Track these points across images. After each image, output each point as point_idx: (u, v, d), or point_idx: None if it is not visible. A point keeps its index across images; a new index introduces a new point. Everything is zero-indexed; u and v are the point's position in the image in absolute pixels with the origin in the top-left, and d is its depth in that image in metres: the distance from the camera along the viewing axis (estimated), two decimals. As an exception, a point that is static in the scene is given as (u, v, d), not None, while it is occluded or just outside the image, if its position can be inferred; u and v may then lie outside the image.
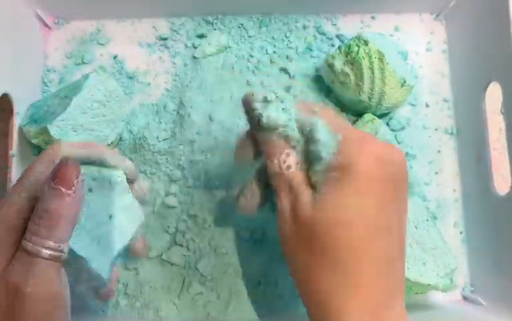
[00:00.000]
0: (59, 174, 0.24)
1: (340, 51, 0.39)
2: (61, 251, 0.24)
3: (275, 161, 0.27)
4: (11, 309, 0.22)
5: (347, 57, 0.38)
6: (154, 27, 0.44)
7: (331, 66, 0.39)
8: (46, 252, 0.23)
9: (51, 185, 0.24)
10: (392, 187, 0.25)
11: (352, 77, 0.38)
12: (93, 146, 0.30)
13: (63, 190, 0.23)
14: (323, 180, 0.26)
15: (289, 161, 0.27)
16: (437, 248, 0.36)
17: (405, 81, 0.38)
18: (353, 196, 0.25)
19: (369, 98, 0.38)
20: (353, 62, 0.38)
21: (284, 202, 0.27)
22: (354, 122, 0.41)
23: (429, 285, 0.35)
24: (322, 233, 0.25)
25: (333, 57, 0.39)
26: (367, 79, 0.38)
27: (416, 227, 0.36)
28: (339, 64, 0.39)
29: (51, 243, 0.23)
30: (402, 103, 0.40)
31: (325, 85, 0.42)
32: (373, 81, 0.37)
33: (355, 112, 0.41)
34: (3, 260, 0.24)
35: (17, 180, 0.26)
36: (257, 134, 0.29)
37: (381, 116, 0.41)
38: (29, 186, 0.25)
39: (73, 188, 0.24)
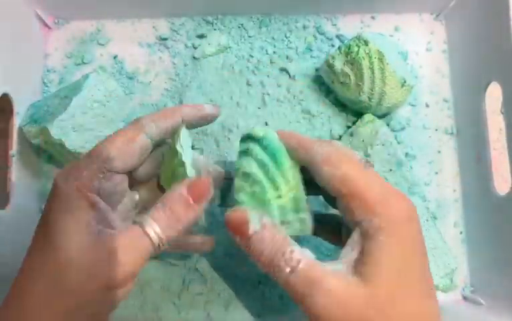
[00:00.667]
0: (194, 189, 0.25)
1: (340, 52, 0.39)
2: (161, 247, 0.25)
3: (281, 265, 0.23)
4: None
5: (347, 57, 0.38)
6: (154, 27, 0.44)
7: (331, 66, 0.39)
8: (155, 237, 0.24)
9: (183, 192, 0.25)
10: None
11: (352, 77, 0.38)
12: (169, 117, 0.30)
13: (191, 202, 0.25)
14: (355, 256, 0.23)
15: (296, 255, 0.23)
16: (437, 248, 0.36)
17: (405, 81, 0.38)
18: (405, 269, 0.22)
19: (370, 98, 0.38)
20: (353, 62, 0.38)
21: (312, 307, 0.22)
22: (354, 123, 0.41)
23: None
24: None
25: (333, 57, 0.39)
26: (368, 80, 0.38)
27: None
28: (339, 64, 0.39)
29: (162, 237, 0.24)
30: (402, 103, 0.40)
31: (325, 85, 0.42)
32: (373, 81, 0.37)
33: (355, 112, 0.41)
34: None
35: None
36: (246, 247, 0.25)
37: (381, 116, 0.41)
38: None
39: (199, 205, 0.25)
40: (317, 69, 0.42)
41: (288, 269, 0.23)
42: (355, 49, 0.38)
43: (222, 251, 0.38)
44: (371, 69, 0.37)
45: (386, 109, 0.39)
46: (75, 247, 0.22)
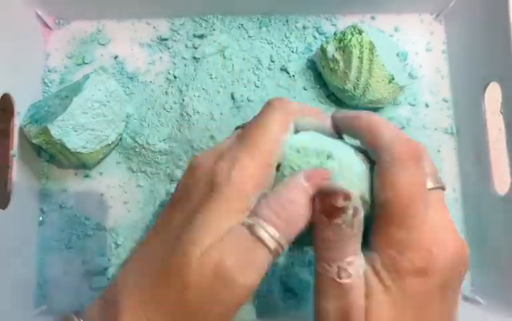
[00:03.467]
0: (325, 205, 0.21)
1: (335, 38, 0.39)
2: (281, 250, 0.21)
3: (332, 267, 0.21)
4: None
5: (340, 43, 0.39)
6: (154, 27, 0.44)
7: (324, 51, 0.39)
8: (272, 241, 0.20)
9: (317, 210, 0.21)
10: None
11: (341, 64, 0.38)
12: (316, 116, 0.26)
13: (324, 218, 0.21)
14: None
15: (350, 270, 0.21)
16: None
17: (393, 78, 0.38)
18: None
19: (354, 88, 0.38)
20: (344, 49, 0.38)
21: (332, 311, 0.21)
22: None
23: None
24: None
25: (327, 42, 0.39)
26: (355, 68, 0.38)
27: None
28: (331, 50, 0.39)
29: (281, 238, 0.21)
30: (389, 101, 0.40)
31: (325, 85, 0.42)
32: (360, 71, 0.38)
33: (340, 101, 0.42)
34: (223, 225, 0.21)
35: (249, 141, 0.22)
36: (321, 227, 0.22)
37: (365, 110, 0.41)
38: (264, 153, 0.22)
39: (336, 221, 0.21)
40: (310, 60, 0.43)
41: (335, 276, 0.21)
42: (349, 36, 0.38)
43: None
44: (360, 58, 0.37)
45: (369, 102, 0.39)
46: (198, 265, 0.20)
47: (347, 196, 0.21)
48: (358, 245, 0.21)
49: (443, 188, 0.24)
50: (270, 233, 0.20)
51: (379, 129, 0.23)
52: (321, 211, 0.21)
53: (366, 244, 0.22)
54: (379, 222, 0.22)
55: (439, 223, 0.22)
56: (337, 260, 0.21)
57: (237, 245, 0.20)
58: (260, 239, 0.20)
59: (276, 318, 0.38)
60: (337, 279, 0.21)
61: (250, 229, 0.20)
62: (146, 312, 0.20)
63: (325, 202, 0.21)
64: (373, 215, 0.22)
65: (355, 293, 0.21)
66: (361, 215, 0.21)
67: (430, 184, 0.23)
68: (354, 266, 0.21)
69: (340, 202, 0.21)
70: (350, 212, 0.21)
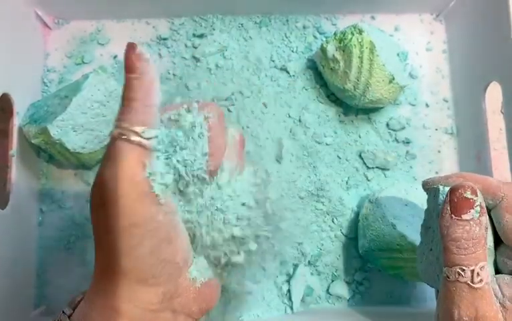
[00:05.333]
0: (127, 62, 0.22)
1: (335, 37, 0.39)
2: (140, 135, 0.21)
3: (465, 271, 0.23)
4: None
5: (340, 43, 0.38)
6: (154, 27, 0.44)
7: (324, 51, 0.39)
8: (117, 131, 0.20)
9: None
10: None
11: (341, 64, 0.38)
12: None
13: (129, 75, 0.21)
14: None
15: (482, 275, 0.22)
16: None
17: (393, 78, 0.38)
18: None
19: (355, 88, 0.38)
20: (344, 49, 0.38)
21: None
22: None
23: None
24: None
25: (327, 41, 0.39)
26: (355, 68, 0.38)
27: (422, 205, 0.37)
28: (331, 49, 0.39)
29: (126, 125, 0.21)
30: (389, 101, 0.40)
31: (325, 85, 0.42)
32: (360, 71, 0.38)
33: (340, 101, 0.42)
34: None
35: None
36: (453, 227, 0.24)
37: (365, 111, 0.41)
38: None
39: (137, 72, 0.21)
40: (310, 60, 0.43)
41: (469, 280, 0.22)
42: (349, 36, 0.38)
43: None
44: (361, 58, 0.37)
45: (369, 102, 0.39)
46: None
47: (474, 190, 0.23)
48: (486, 250, 0.23)
49: None
50: (116, 127, 0.21)
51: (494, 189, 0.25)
52: (452, 208, 0.23)
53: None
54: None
55: None
56: (471, 264, 0.22)
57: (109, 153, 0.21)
58: (112, 138, 0.21)
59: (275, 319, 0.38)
60: (471, 284, 0.22)
61: (114, 137, 0.21)
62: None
63: (454, 196, 0.23)
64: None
65: (487, 300, 0.22)
66: (487, 216, 0.23)
67: None
68: (486, 272, 0.22)
69: (468, 195, 0.23)
70: (478, 209, 0.23)
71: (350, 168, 0.41)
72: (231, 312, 0.29)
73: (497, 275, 0.24)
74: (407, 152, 0.42)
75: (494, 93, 0.38)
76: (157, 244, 0.21)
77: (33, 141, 0.37)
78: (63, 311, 0.23)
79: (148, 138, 0.21)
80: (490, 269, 0.24)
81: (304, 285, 0.39)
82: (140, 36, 0.44)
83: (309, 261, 0.39)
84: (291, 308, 0.38)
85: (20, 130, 0.37)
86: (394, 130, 0.42)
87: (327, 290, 0.39)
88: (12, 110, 0.37)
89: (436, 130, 0.43)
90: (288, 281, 0.39)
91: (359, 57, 0.37)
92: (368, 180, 0.41)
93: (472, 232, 0.23)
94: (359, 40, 0.37)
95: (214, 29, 0.43)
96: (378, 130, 0.42)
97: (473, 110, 0.40)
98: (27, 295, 0.38)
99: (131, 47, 0.22)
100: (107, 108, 0.38)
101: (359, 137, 0.42)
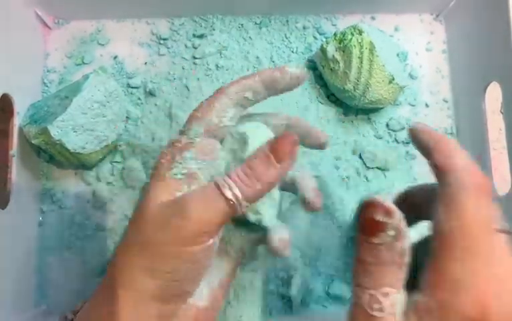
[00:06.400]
0: (275, 146, 0.23)
1: (335, 38, 0.39)
2: (241, 205, 0.22)
3: (364, 294, 0.19)
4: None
5: (340, 43, 0.39)
6: (154, 27, 0.44)
7: (324, 51, 0.39)
8: (231, 196, 0.22)
9: (265, 150, 0.23)
10: None
11: (341, 65, 0.38)
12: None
13: (273, 160, 0.23)
14: None
15: (384, 303, 0.19)
16: None
17: (393, 79, 0.38)
18: None
19: (355, 88, 0.38)
20: (344, 49, 0.38)
21: None
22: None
23: None
24: None
25: (327, 42, 0.39)
26: (355, 68, 0.38)
27: None
28: (331, 50, 0.39)
29: (239, 196, 0.22)
30: (389, 101, 0.40)
31: (325, 86, 0.42)
32: (360, 71, 0.38)
33: (340, 101, 0.42)
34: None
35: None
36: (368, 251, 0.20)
37: (365, 111, 0.41)
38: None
39: (282, 163, 0.23)
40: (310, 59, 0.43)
41: (366, 305, 0.19)
42: (349, 36, 0.38)
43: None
44: (360, 58, 0.37)
45: (369, 102, 0.39)
46: (155, 205, 0.22)
47: (388, 212, 0.19)
48: (399, 278, 0.19)
49: (510, 233, 0.20)
50: (232, 190, 0.22)
51: (455, 152, 0.21)
52: (360, 227, 0.20)
53: (413, 286, 0.20)
54: (435, 254, 0.19)
55: (506, 272, 0.19)
56: (371, 288, 0.19)
57: (202, 192, 0.22)
58: (222, 193, 0.22)
59: (275, 319, 0.38)
60: (368, 310, 0.19)
61: (217, 184, 0.22)
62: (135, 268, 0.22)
63: (364, 215, 0.20)
64: (428, 247, 0.20)
65: None
66: (407, 242, 0.19)
67: (496, 226, 0.20)
68: (389, 300, 0.19)
69: (379, 217, 0.19)
70: (391, 233, 0.19)
71: (350, 168, 0.41)
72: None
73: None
74: (407, 152, 0.42)
75: (494, 93, 0.38)
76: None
77: (33, 141, 0.37)
78: (66, 316, 0.23)
79: (242, 210, 0.23)
80: (401, 299, 0.20)
81: (304, 286, 0.39)
82: (140, 36, 0.44)
83: (308, 262, 0.39)
84: (291, 308, 0.38)
85: (20, 130, 0.37)
86: (394, 130, 0.42)
87: (327, 290, 0.39)
88: (12, 110, 0.37)
89: (436, 130, 0.43)
90: (288, 281, 0.39)
91: (359, 57, 0.37)
92: (368, 181, 0.41)
93: (381, 257, 0.19)
94: (359, 40, 0.37)
95: (214, 29, 0.43)
96: (378, 131, 0.42)
97: (473, 110, 0.40)
98: (27, 295, 0.38)
99: (292, 140, 0.23)
100: (107, 108, 0.38)
101: (359, 137, 0.42)
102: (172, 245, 0.21)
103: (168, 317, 0.22)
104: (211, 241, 0.22)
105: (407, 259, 0.20)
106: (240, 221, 0.26)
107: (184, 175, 0.23)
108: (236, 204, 0.22)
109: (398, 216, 0.19)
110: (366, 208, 0.19)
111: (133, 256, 0.22)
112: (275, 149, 0.23)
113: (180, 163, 0.23)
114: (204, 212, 0.22)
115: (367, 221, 0.19)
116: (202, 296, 0.24)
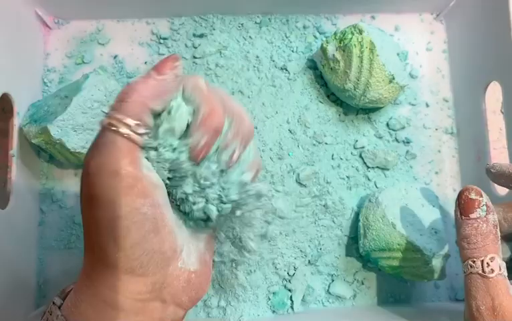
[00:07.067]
0: (157, 64, 0.22)
1: (335, 37, 0.39)
2: (133, 130, 0.21)
3: (476, 262, 0.26)
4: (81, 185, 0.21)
5: (340, 43, 0.39)
6: (154, 26, 0.44)
7: (324, 50, 0.39)
8: (110, 122, 0.21)
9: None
10: None
11: (342, 64, 0.38)
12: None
13: (152, 73, 0.22)
14: None
15: (493, 265, 0.25)
16: (438, 232, 0.36)
17: (393, 78, 0.38)
18: None
19: (355, 87, 0.38)
20: (344, 49, 0.38)
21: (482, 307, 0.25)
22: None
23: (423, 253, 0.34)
24: None
25: (327, 41, 0.39)
26: (355, 68, 0.38)
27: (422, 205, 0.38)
28: (331, 49, 0.39)
29: (119, 116, 0.21)
30: (389, 100, 0.40)
31: (325, 85, 0.42)
32: (360, 70, 0.38)
33: (340, 100, 0.42)
34: None
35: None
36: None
37: (366, 111, 0.41)
38: None
39: (161, 76, 0.22)
40: (310, 59, 0.43)
41: (480, 270, 0.25)
42: (349, 36, 0.38)
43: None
44: (361, 58, 0.37)
45: (369, 101, 0.39)
46: None
47: (478, 192, 0.26)
48: (498, 246, 0.26)
49: None
50: (109, 117, 0.21)
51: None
52: (460, 209, 0.27)
53: None
54: None
55: None
56: (480, 256, 0.25)
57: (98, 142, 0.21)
58: (103, 127, 0.21)
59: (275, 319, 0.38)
60: (483, 274, 0.25)
61: (104, 124, 0.21)
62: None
63: (461, 199, 0.27)
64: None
65: (502, 290, 0.24)
66: (496, 216, 0.26)
67: None
68: (496, 263, 0.25)
69: (472, 195, 0.26)
70: (484, 206, 0.26)
71: (350, 168, 0.41)
72: None
73: None
74: (407, 151, 0.42)
75: (494, 93, 0.38)
76: (143, 235, 0.21)
77: (33, 141, 0.37)
78: (54, 302, 0.22)
79: (139, 134, 0.21)
80: (503, 264, 0.25)
81: (304, 285, 0.39)
82: (140, 36, 0.44)
83: (309, 261, 0.39)
84: (292, 308, 0.38)
85: (20, 130, 0.37)
86: (394, 130, 0.42)
87: (327, 290, 0.39)
88: (12, 110, 0.37)
89: (436, 129, 0.43)
90: (288, 281, 0.39)
91: (359, 56, 0.37)
92: (368, 180, 0.41)
93: (480, 228, 0.26)
94: (359, 40, 0.37)
95: (214, 29, 0.43)
96: (378, 130, 0.42)
97: (473, 110, 0.40)
98: (27, 295, 0.38)
99: (174, 57, 0.23)
100: (107, 108, 0.38)
101: (360, 137, 0.42)
102: (117, 208, 0.20)
103: (159, 287, 0.22)
104: (139, 185, 0.21)
105: (499, 231, 0.26)
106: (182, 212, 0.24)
107: None
108: (125, 129, 0.21)
109: (486, 196, 0.27)
110: (463, 192, 0.27)
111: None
112: (156, 66, 0.22)
113: None
114: (102, 164, 0.20)
115: (465, 201, 0.27)
116: (192, 261, 0.23)
